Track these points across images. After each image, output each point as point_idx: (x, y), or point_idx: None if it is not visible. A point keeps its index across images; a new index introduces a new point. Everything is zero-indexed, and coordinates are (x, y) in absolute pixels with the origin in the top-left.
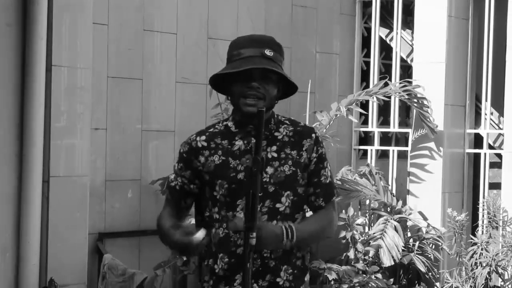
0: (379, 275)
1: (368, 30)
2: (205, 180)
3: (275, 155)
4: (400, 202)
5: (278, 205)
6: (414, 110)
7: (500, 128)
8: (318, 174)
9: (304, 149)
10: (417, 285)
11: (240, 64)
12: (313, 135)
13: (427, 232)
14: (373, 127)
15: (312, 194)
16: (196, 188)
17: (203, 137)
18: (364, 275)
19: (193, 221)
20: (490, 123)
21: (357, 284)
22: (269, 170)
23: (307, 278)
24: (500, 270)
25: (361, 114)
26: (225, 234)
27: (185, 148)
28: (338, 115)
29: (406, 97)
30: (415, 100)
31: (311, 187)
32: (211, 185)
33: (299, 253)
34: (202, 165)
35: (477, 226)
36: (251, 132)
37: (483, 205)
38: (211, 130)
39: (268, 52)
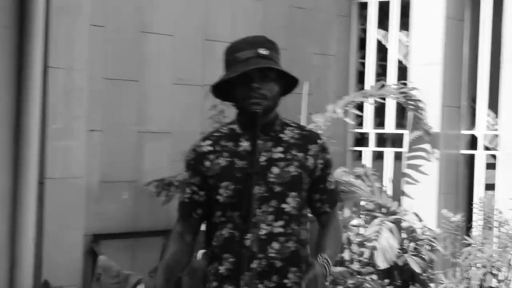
0: (374, 276)
1: (365, 31)
2: (210, 185)
3: (281, 155)
4: (396, 203)
5: (283, 205)
6: (410, 112)
7: (495, 130)
8: (324, 180)
9: (310, 154)
10: (411, 286)
11: (238, 68)
12: (319, 141)
13: (422, 234)
14: (369, 128)
15: (318, 201)
16: (205, 195)
17: (208, 142)
18: (359, 276)
19: (200, 254)
20: (486, 125)
21: (352, 286)
22: (275, 170)
23: None
24: (494, 271)
25: (357, 115)
26: (230, 234)
27: (191, 155)
28: (334, 117)
29: (403, 99)
30: (411, 102)
31: (317, 193)
32: (215, 188)
33: (309, 258)
34: (207, 169)
35: (471, 227)
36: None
37: (478, 206)
38: (216, 134)
39: (263, 51)
